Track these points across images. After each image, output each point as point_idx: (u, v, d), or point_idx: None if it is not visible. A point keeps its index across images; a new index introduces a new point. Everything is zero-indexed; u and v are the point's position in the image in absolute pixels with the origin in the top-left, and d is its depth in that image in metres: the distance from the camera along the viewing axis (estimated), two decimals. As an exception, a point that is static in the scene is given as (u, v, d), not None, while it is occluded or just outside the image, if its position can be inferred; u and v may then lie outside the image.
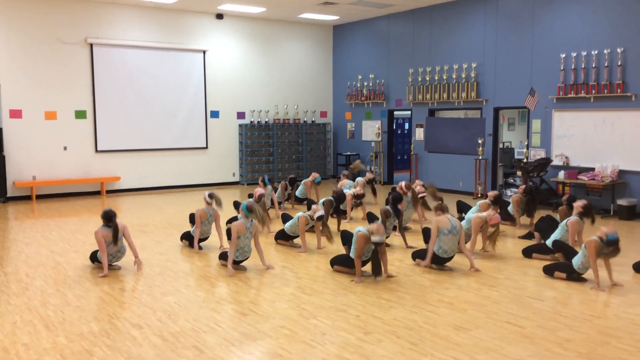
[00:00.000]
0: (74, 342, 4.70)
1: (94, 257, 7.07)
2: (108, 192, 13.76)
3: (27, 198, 12.88)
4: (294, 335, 4.80)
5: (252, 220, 6.80)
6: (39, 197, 12.96)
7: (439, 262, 6.89)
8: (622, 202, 10.33)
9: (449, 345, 4.58)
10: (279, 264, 7.23)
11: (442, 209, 6.99)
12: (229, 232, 7.13)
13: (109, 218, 6.73)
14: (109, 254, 6.80)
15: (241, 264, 6.93)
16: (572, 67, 11.10)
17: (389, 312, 5.35)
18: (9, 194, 12.68)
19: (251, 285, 6.32)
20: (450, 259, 6.88)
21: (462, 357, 4.33)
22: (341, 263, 6.76)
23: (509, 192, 11.50)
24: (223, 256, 7.04)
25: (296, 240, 8.24)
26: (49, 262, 7.29)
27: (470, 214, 8.08)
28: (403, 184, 9.11)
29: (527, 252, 7.50)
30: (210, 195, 7.91)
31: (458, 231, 6.80)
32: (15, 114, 12.68)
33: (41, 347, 4.59)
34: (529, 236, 8.58)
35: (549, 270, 6.56)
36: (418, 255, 7.11)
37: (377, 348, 4.52)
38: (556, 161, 11.46)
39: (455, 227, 6.78)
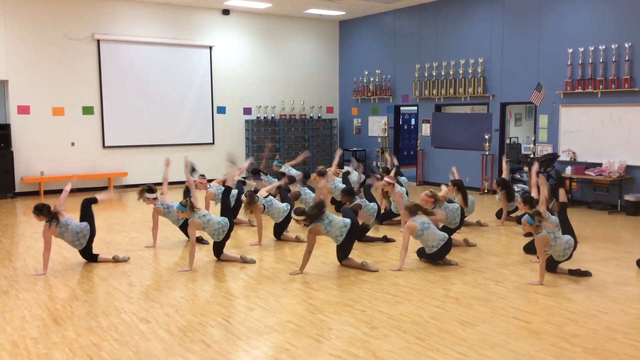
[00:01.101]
0: (83, 336, 4.74)
1: (84, 254, 7.08)
2: (115, 187, 13.82)
3: (35, 194, 12.96)
4: (301, 330, 4.82)
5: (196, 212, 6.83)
6: (46, 192, 13.03)
7: (437, 257, 6.83)
8: (629, 197, 10.29)
9: (455, 340, 4.59)
10: (286, 259, 7.25)
11: (410, 211, 6.84)
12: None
13: (44, 211, 6.67)
14: (74, 240, 6.86)
15: (249, 258, 7.01)
16: (580, 62, 11.04)
17: (395, 307, 5.36)
18: (17, 190, 12.76)
19: (258, 280, 6.34)
20: (444, 250, 6.79)
21: (468, 352, 4.34)
22: (349, 259, 6.77)
23: (516, 188, 11.46)
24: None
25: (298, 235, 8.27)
26: (57, 257, 7.33)
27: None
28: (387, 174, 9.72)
29: (529, 250, 7.43)
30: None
31: (429, 223, 6.77)
32: (23, 110, 12.75)
33: (50, 342, 4.63)
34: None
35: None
36: (421, 252, 7.06)
37: (384, 343, 4.54)
38: (563, 157, 11.42)
39: (425, 222, 6.74)
